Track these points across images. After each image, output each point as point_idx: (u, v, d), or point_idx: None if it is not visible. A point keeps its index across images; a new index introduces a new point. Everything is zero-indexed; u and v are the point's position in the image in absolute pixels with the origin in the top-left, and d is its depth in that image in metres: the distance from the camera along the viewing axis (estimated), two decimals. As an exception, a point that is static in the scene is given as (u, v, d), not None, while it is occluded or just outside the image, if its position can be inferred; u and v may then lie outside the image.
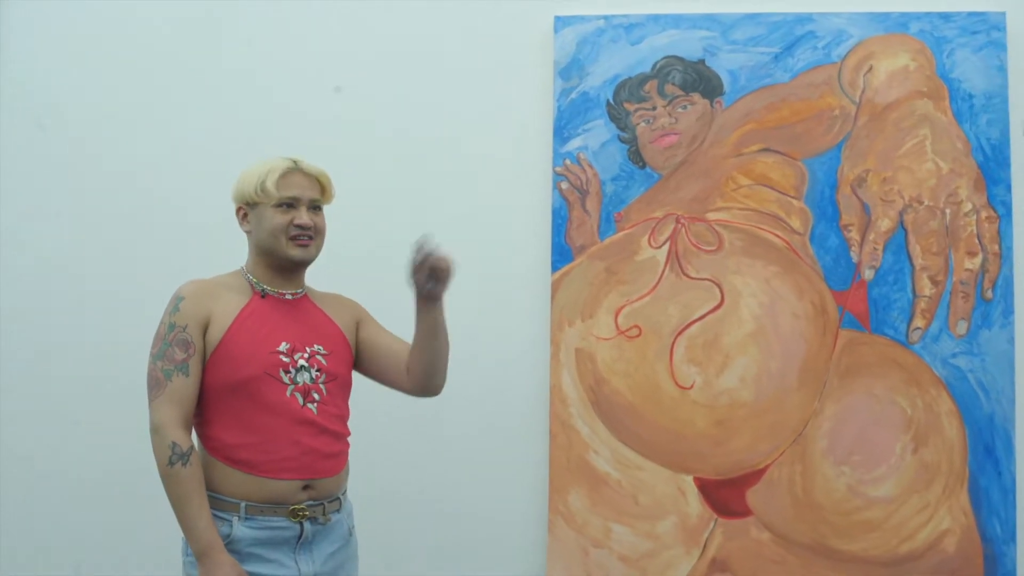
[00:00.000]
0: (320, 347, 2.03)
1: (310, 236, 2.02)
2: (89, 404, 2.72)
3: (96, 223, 2.76)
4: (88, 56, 2.80)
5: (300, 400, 1.97)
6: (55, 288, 2.76)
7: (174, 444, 1.86)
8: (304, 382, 1.98)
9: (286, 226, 1.99)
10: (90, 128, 2.78)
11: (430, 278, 1.93)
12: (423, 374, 2.06)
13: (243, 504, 1.91)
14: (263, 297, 2.02)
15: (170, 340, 1.93)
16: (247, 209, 2.04)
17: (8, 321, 2.76)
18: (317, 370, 2.00)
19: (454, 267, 1.93)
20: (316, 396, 1.99)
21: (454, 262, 1.92)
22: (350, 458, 2.06)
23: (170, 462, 1.86)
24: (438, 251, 1.91)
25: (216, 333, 1.95)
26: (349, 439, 2.06)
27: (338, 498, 2.03)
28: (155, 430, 1.89)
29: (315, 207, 2.05)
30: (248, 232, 2.05)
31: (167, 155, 2.75)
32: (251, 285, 2.04)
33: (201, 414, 1.96)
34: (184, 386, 1.91)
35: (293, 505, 1.94)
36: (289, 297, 2.05)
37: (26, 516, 2.71)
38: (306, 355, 2.00)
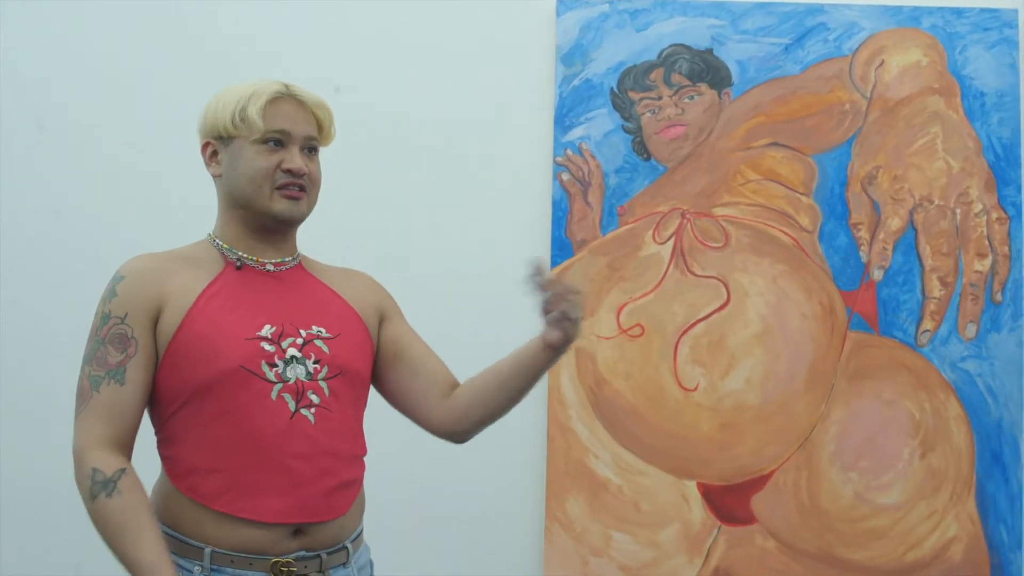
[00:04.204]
0: (320, 329, 1.52)
1: (302, 186, 1.54)
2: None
3: (96, 223, 2.62)
4: (88, 56, 2.66)
5: (291, 405, 1.45)
6: (55, 288, 2.61)
7: (95, 471, 1.41)
8: (297, 378, 1.47)
9: (271, 170, 1.51)
10: (90, 128, 2.64)
11: (565, 316, 1.45)
12: (477, 420, 1.62)
13: (208, 550, 1.44)
14: (239, 268, 1.54)
15: (103, 336, 1.46)
16: (217, 145, 1.56)
17: (8, 320, 2.62)
18: (316, 361, 1.49)
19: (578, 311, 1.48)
20: (315, 398, 1.47)
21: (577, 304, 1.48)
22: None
23: (91, 495, 1.41)
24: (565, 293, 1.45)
25: (171, 321, 1.46)
26: (365, 459, 1.63)
27: (344, 547, 1.53)
28: (74, 458, 1.44)
29: (310, 148, 1.57)
30: (217, 176, 1.57)
31: (168, 155, 2.60)
32: (222, 254, 1.55)
33: (162, 430, 1.50)
34: (116, 398, 1.44)
35: (276, 557, 1.44)
36: (272, 268, 1.56)
37: (26, 516, 2.57)
38: (299, 341, 1.49)
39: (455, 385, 1.67)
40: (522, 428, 2.51)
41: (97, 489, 1.41)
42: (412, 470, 2.50)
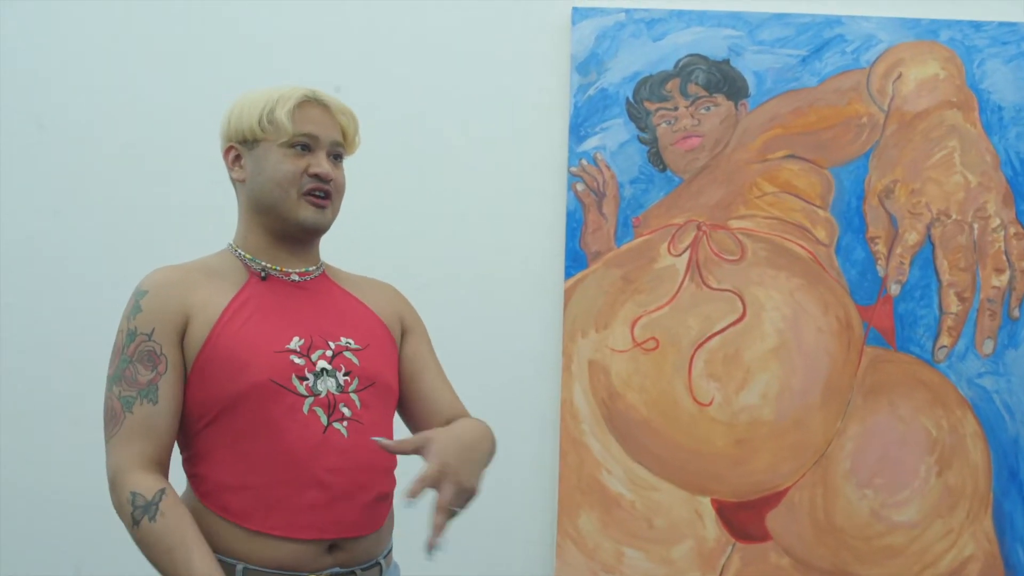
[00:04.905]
0: (349, 340, 1.48)
1: (327, 192, 1.50)
2: (89, 403, 2.48)
3: (96, 223, 2.58)
4: (88, 56, 2.61)
5: (323, 419, 1.41)
6: (55, 288, 2.57)
7: (134, 496, 1.36)
8: (328, 391, 1.43)
9: (298, 175, 1.47)
10: (90, 128, 2.59)
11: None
12: None
13: (240, 567, 1.39)
14: (263, 279, 1.50)
15: (130, 354, 1.41)
16: (241, 149, 1.51)
17: (7, 321, 2.57)
18: (346, 373, 1.45)
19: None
20: (346, 411, 1.43)
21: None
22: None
23: (133, 520, 1.36)
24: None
25: (198, 335, 1.42)
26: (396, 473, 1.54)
27: (378, 563, 1.49)
28: (111, 483, 1.40)
29: (335, 155, 1.54)
30: (240, 182, 1.52)
31: (168, 155, 2.57)
32: (245, 264, 1.51)
33: (189, 448, 1.46)
34: (150, 417, 1.39)
35: (310, 573, 1.41)
36: (297, 278, 1.53)
37: (26, 516, 2.54)
38: (328, 353, 1.45)
39: (458, 418, 1.60)
40: (534, 442, 2.47)
41: (139, 514, 1.37)
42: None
